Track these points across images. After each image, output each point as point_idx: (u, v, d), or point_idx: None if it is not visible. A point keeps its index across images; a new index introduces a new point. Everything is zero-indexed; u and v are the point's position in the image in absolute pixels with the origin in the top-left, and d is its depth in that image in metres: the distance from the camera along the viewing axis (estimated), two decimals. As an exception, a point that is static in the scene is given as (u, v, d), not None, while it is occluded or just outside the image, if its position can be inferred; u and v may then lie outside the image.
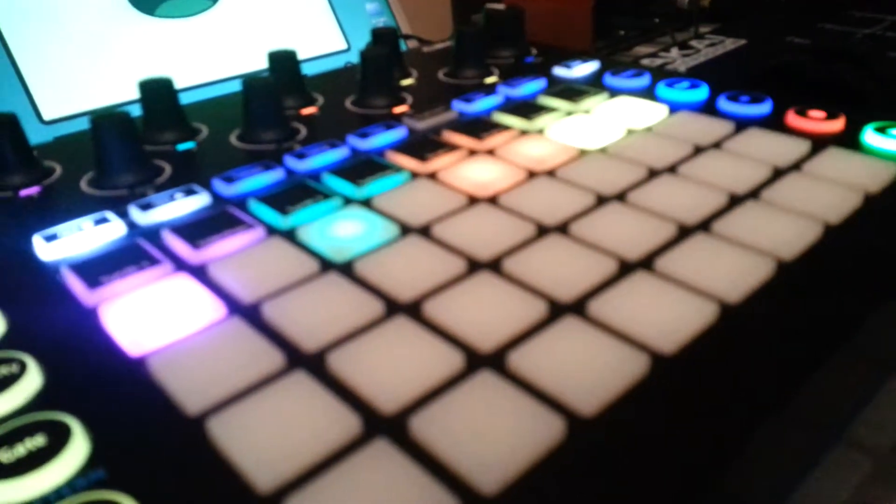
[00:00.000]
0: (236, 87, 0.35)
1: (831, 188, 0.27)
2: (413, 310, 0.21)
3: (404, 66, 0.42)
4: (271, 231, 0.26)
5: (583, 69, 0.41)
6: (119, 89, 0.41)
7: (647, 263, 0.23)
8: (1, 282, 0.23)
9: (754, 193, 0.27)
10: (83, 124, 0.34)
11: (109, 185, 0.29)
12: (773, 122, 0.33)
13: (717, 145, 0.31)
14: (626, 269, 0.23)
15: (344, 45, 0.49)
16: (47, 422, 0.17)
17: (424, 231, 0.25)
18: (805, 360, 0.19)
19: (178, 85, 0.34)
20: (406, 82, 0.41)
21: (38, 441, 0.16)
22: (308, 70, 0.40)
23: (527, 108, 0.35)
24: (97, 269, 0.23)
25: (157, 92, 0.33)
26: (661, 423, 0.17)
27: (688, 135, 0.32)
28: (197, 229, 0.25)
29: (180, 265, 0.24)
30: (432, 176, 0.29)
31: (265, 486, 0.15)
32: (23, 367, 0.19)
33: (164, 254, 0.24)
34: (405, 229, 0.25)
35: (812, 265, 0.23)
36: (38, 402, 0.18)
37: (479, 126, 0.33)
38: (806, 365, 0.19)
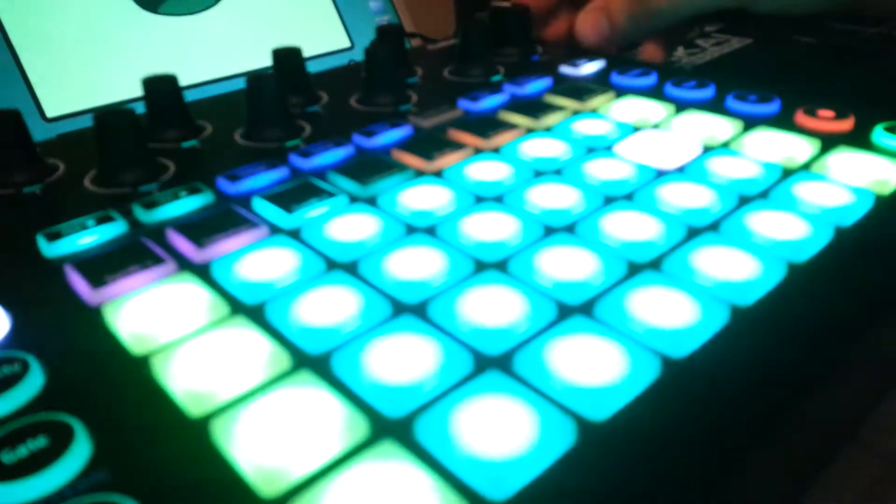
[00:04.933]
0: (240, 84, 0.34)
1: (841, 188, 0.27)
2: (419, 311, 0.21)
3: (409, 64, 0.42)
4: (276, 229, 0.25)
5: (589, 67, 0.40)
6: (123, 86, 0.41)
7: (656, 264, 0.23)
8: (3, 280, 0.23)
9: (763, 193, 0.27)
10: (86, 122, 0.33)
11: (113, 182, 0.29)
12: (782, 121, 0.33)
13: (725, 144, 0.31)
14: (635, 270, 0.22)
15: (347, 43, 0.49)
16: (49, 422, 0.17)
17: (430, 230, 0.25)
18: (817, 362, 0.19)
19: (182, 82, 0.34)
20: (411, 80, 0.41)
21: (40, 442, 0.16)
22: (311, 68, 0.40)
23: (533, 107, 0.35)
24: (101, 267, 0.23)
25: (162, 89, 0.33)
26: (672, 428, 0.17)
27: (695, 134, 0.32)
28: (201, 228, 0.25)
29: (184, 264, 0.23)
30: (438, 174, 0.29)
31: (269, 490, 0.15)
32: (25, 367, 0.18)
33: (168, 252, 0.24)
34: (410, 228, 0.25)
35: (823, 266, 0.23)
36: (40, 402, 0.18)
37: (485, 124, 0.33)
38: (818, 367, 0.19)
